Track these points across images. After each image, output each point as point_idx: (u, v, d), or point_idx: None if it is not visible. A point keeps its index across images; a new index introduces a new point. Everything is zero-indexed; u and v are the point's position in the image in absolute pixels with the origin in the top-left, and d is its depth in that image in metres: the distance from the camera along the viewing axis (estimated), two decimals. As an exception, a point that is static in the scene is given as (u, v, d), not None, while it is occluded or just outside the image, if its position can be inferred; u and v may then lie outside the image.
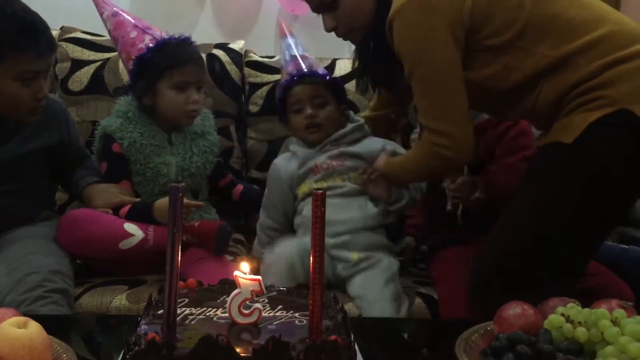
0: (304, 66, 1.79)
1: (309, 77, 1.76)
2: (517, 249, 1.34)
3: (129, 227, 1.58)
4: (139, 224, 1.59)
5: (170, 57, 1.70)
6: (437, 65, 1.37)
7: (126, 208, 1.64)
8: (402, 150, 1.74)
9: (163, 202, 1.61)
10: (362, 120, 1.77)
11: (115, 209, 1.64)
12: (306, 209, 1.67)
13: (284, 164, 1.75)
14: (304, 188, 1.70)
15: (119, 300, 1.52)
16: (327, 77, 1.80)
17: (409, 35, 1.38)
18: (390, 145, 1.74)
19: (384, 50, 1.47)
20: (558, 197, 1.31)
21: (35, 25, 1.49)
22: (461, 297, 1.44)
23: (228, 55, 2.17)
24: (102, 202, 1.64)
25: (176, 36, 1.73)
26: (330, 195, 1.59)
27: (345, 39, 1.59)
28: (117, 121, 1.72)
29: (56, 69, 2.09)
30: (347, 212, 1.63)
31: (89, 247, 1.57)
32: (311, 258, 0.79)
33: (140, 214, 1.62)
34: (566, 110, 1.32)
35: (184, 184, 0.84)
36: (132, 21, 1.75)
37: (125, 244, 1.57)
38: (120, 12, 1.77)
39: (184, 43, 1.74)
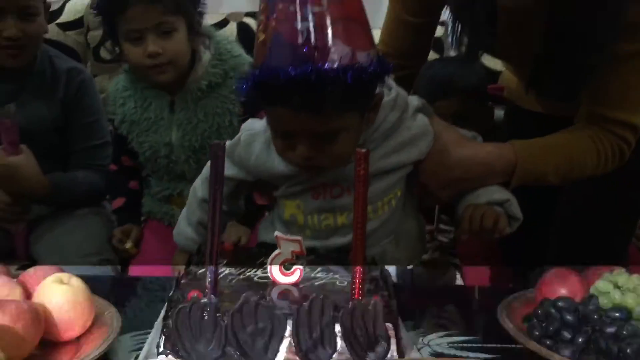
0: None
1: None
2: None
3: None
4: None
5: (112, 1, 1.36)
6: None
7: None
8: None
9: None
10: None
11: None
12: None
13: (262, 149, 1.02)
14: (291, 209, 1.06)
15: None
16: None
17: None
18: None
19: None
20: None
21: None
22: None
23: (259, 23, 2.14)
24: None
25: None
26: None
27: None
28: (119, 83, 1.48)
29: (88, 37, 2.09)
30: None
31: None
32: (353, 219, 0.78)
33: None
34: None
35: (226, 140, 0.82)
36: None
37: None
38: None
39: None
